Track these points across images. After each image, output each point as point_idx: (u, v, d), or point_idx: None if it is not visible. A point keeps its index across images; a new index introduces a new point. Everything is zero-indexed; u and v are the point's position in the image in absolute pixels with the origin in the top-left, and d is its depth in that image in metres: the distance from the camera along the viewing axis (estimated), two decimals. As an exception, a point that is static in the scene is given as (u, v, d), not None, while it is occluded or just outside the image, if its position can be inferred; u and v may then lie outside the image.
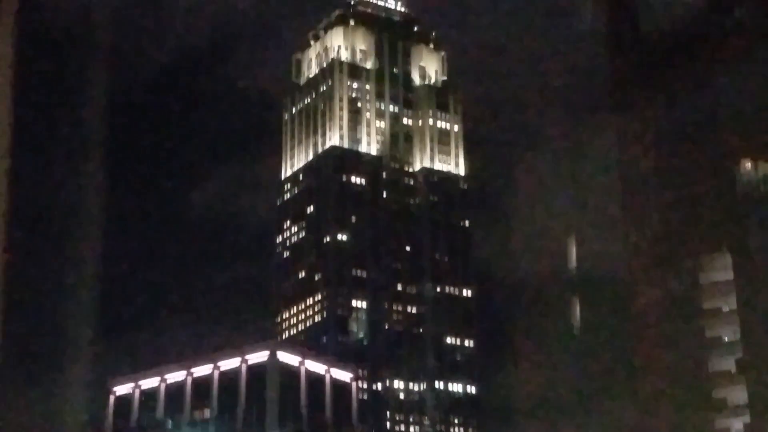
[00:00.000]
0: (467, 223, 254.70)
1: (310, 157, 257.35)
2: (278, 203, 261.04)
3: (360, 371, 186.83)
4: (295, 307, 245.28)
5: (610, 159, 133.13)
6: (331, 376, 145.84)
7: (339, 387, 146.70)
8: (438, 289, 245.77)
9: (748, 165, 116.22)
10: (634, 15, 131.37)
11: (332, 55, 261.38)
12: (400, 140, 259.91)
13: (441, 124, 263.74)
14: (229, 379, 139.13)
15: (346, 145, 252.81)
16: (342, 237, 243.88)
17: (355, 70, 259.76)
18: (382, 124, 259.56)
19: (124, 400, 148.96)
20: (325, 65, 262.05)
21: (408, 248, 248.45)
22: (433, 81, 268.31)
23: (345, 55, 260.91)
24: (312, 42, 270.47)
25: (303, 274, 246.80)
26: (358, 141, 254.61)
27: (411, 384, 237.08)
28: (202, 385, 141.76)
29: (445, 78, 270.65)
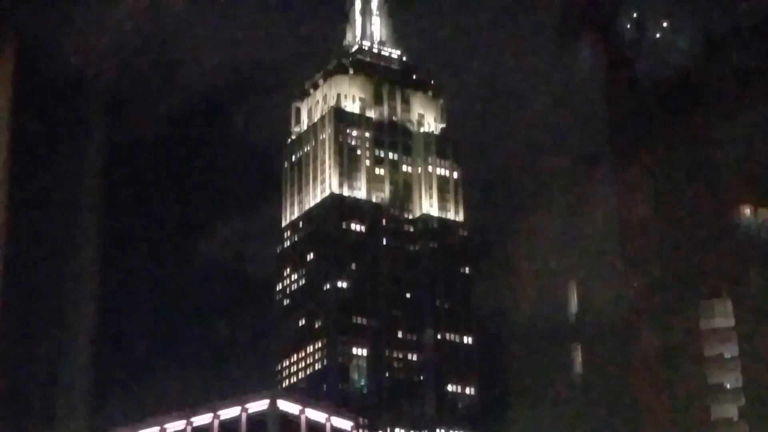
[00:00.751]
0: (467, 269, 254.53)
1: (310, 204, 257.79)
2: (278, 251, 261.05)
3: (361, 419, 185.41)
4: (295, 355, 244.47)
5: (610, 205, 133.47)
6: (331, 425, 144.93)
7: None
8: (438, 337, 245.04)
9: (748, 211, 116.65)
10: (632, 62, 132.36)
11: (331, 103, 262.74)
12: (399, 187, 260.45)
13: (440, 171, 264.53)
14: (229, 428, 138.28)
15: (345, 193, 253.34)
16: (342, 284, 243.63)
17: (354, 118, 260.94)
18: (382, 172, 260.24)
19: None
20: (324, 113, 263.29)
21: (408, 295, 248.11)
22: (431, 128, 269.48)
23: (344, 103, 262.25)
24: (311, 90, 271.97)
25: (303, 321, 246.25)
26: (357, 188, 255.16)
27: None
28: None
29: (443, 125, 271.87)
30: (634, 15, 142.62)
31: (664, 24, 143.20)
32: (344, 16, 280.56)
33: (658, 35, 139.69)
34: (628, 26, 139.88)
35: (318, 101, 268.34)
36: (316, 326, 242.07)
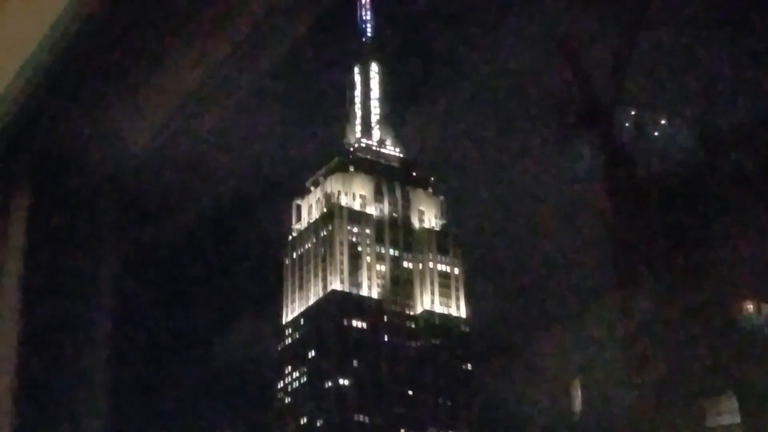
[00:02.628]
0: (470, 366, 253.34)
1: (311, 301, 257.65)
2: (279, 348, 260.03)
3: None
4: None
5: (613, 301, 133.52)
6: None
7: None
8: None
9: (751, 307, 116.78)
10: (631, 161, 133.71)
11: (332, 200, 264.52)
12: (400, 284, 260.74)
13: (441, 267, 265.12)
14: None
15: (346, 289, 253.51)
16: (343, 382, 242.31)
17: (354, 215, 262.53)
18: (383, 268, 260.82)
19: None
20: (325, 210, 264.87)
21: (410, 392, 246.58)
22: (432, 224, 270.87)
23: (345, 201, 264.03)
24: (312, 188, 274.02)
25: (305, 420, 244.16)
26: (358, 285, 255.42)
27: None
28: None
29: (444, 221, 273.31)
30: (633, 113, 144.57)
31: (663, 122, 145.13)
32: (344, 115, 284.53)
33: (656, 133, 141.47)
34: (627, 125, 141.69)
35: (319, 198, 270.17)
36: (318, 425, 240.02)
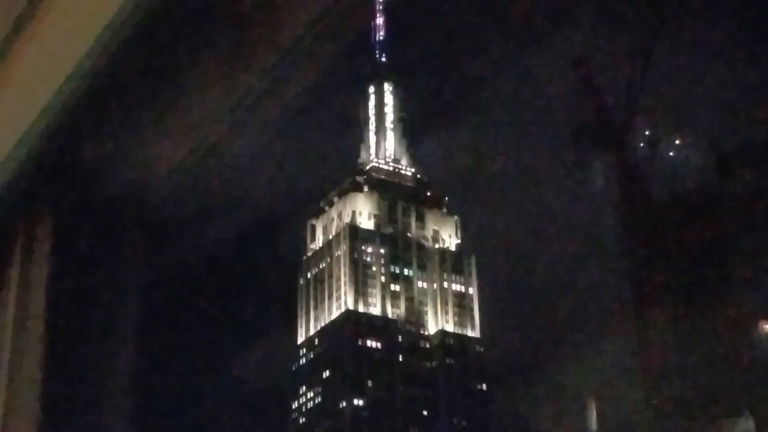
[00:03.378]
0: (484, 386, 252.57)
1: (326, 321, 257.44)
2: (294, 368, 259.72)
3: None
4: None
5: (630, 322, 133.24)
6: None
7: None
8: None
9: (766, 327, 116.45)
10: (645, 179, 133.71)
11: (346, 220, 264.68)
12: (415, 303, 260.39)
13: (456, 287, 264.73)
14: None
15: (361, 309, 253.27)
16: (358, 402, 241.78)
17: (369, 235, 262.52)
18: (397, 288, 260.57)
19: None
20: (339, 230, 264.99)
21: (425, 413, 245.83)
22: (446, 244, 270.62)
23: (359, 220, 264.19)
24: (327, 208, 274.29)
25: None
26: (373, 305, 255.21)
27: None
28: None
29: (458, 241, 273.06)
30: (647, 133, 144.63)
31: (677, 141, 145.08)
32: (359, 135, 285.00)
33: (671, 153, 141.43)
34: (642, 144, 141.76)
35: (333, 218, 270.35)
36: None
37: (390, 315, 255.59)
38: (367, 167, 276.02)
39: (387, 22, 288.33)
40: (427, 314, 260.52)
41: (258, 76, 13.21)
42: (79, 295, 15.57)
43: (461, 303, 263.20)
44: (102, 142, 14.88)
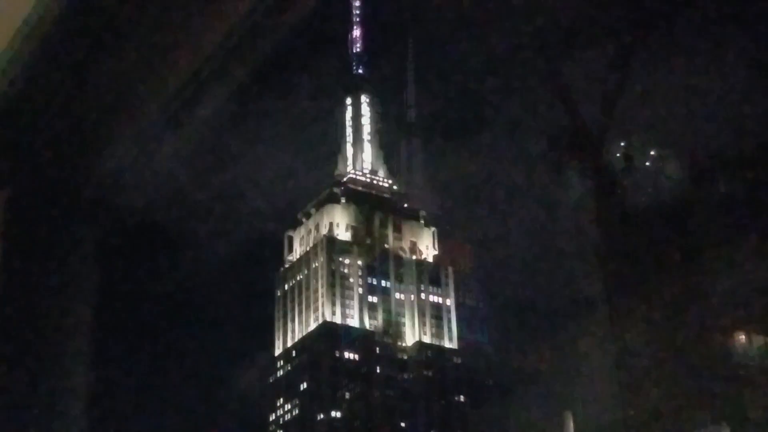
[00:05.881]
0: (462, 397, 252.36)
1: (303, 333, 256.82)
2: (271, 380, 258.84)
3: None
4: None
5: (606, 332, 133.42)
6: None
7: None
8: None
9: (743, 337, 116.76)
10: (621, 191, 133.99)
11: (324, 231, 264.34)
12: (392, 315, 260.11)
13: (433, 298, 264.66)
14: None
15: (338, 321, 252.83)
16: (336, 414, 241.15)
17: (346, 247, 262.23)
18: (375, 299, 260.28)
19: None
20: (316, 242, 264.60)
21: (402, 424, 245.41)
22: (424, 256, 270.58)
23: (336, 232, 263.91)
24: (304, 220, 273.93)
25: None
26: (350, 316, 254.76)
27: None
28: None
29: (436, 252, 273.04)
30: (622, 144, 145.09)
31: (652, 152, 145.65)
32: (336, 147, 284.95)
33: (646, 163, 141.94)
34: (617, 155, 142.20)
35: (310, 230, 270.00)
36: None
37: (367, 326, 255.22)
38: (344, 179, 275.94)
39: (364, 34, 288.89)
40: (404, 326, 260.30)
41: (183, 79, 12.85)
42: (29, 284, 15.07)
43: (438, 314, 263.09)
44: (52, 122, 14.44)
